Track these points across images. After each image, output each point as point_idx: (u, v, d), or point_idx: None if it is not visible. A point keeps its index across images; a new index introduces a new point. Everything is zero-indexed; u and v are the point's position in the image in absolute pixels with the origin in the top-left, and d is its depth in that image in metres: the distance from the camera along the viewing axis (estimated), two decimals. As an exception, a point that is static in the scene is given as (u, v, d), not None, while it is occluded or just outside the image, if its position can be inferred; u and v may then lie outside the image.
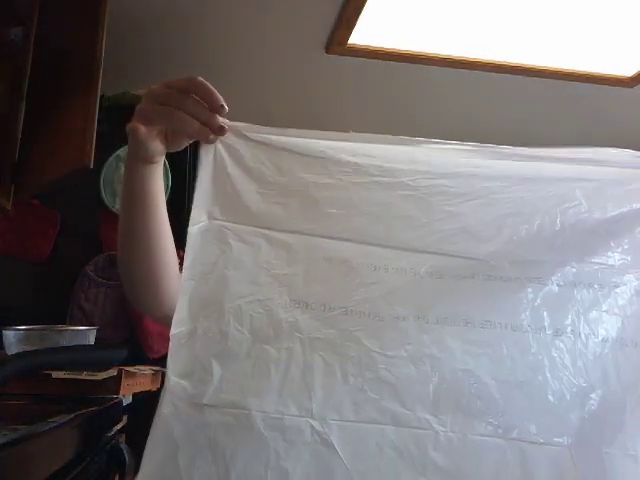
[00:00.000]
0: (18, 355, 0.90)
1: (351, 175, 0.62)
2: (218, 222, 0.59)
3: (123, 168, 1.62)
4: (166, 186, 1.65)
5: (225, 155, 0.60)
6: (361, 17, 1.92)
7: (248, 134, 0.61)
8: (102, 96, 1.65)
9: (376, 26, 2.01)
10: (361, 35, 2.05)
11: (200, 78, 0.57)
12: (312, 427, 0.49)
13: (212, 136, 0.58)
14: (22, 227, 1.60)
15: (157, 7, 1.89)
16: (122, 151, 1.65)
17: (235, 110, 2.21)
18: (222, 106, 0.57)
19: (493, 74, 2.33)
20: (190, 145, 1.88)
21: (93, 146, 1.25)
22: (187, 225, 0.61)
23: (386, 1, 1.87)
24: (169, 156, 1.81)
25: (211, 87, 0.56)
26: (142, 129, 0.57)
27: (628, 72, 2.32)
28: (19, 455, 0.48)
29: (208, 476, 0.47)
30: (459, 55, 2.20)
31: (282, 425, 0.49)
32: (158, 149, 0.61)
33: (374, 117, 2.76)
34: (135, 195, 0.67)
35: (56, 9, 1.46)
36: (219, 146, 0.60)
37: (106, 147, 1.59)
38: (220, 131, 0.58)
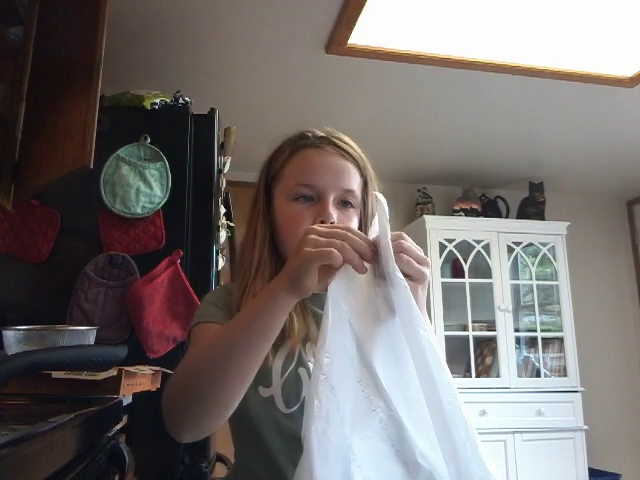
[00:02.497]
0: (18, 355, 0.90)
1: None
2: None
3: (123, 168, 1.63)
4: (166, 186, 1.65)
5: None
6: (361, 17, 1.92)
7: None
8: (102, 96, 1.65)
9: (376, 26, 2.01)
10: (361, 35, 2.05)
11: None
12: None
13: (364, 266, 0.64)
14: (22, 227, 1.60)
15: (157, 7, 1.89)
16: (122, 151, 1.65)
17: (236, 110, 2.21)
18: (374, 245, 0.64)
19: (493, 74, 2.33)
20: (190, 145, 1.87)
21: (93, 146, 1.25)
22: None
23: (386, 1, 1.87)
24: (169, 156, 1.81)
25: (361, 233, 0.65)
26: (317, 263, 0.62)
27: (628, 72, 2.32)
28: (19, 455, 0.48)
29: None
30: (459, 55, 2.20)
31: None
32: (315, 284, 0.63)
33: (374, 117, 2.76)
34: (271, 325, 0.65)
35: (56, 9, 1.46)
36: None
37: (106, 147, 1.59)
38: (372, 261, 0.64)
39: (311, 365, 0.79)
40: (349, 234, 0.63)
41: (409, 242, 0.67)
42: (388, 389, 0.60)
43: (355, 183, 0.88)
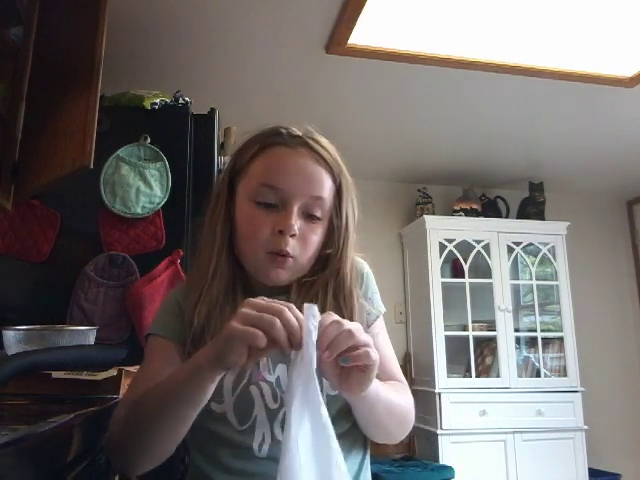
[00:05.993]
0: (18, 355, 0.90)
1: None
2: None
3: (123, 168, 1.63)
4: (166, 186, 1.65)
5: None
6: (361, 17, 1.92)
7: None
8: (102, 96, 1.65)
9: (376, 26, 2.01)
10: (361, 35, 2.05)
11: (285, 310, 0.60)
12: None
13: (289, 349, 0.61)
14: (22, 227, 1.60)
15: (157, 7, 1.89)
16: (122, 151, 1.65)
17: (236, 110, 2.21)
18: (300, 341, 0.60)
19: (493, 74, 2.33)
20: (190, 145, 1.87)
21: (93, 146, 1.25)
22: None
23: (386, 1, 1.87)
24: (169, 156, 1.81)
25: (291, 317, 0.59)
26: (240, 342, 0.58)
27: (628, 72, 2.32)
28: (19, 455, 0.48)
29: None
30: (459, 55, 2.20)
31: None
32: (242, 360, 0.60)
33: (374, 117, 2.76)
34: (195, 395, 0.64)
35: (56, 9, 1.46)
36: None
37: (106, 147, 1.59)
38: (298, 348, 0.60)
39: (262, 384, 0.77)
40: (285, 312, 0.59)
41: (350, 327, 0.61)
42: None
43: (325, 190, 0.81)
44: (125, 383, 1.03)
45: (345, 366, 0.62)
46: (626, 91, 2.44)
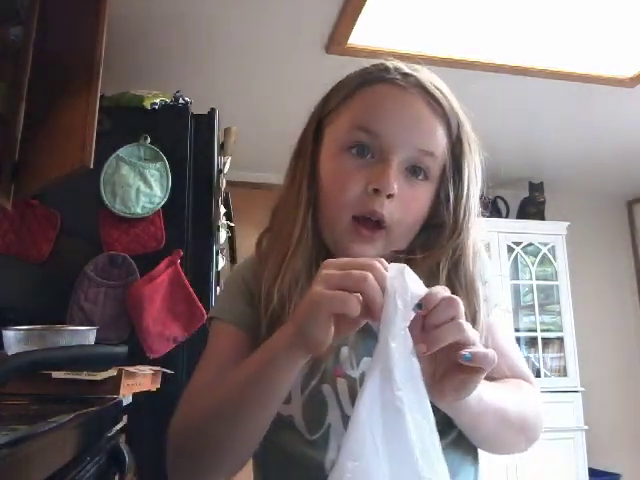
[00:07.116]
0: (18, 355, 0.90)
1: None
2: None
3: (123, 168, 1.63)
4: (166, 186, 1.65)
5: None
6: (361, 17, 1.92)
7: None
8: (102, 96, 1.65)
9: (376, 26, 2.01)
10: (361, 35, 2.05)
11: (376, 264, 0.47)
12: None
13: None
14: (22, 227, 1.60)
15: (157, 7, 1.89)
16: (122, 151, 1.65)
17: (236, 110, 2.20)
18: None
19: (493, 74, 2.33)
20: (190, 145, 1.87)
21: (93, 146, 1.25)
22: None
23: (386, 1, 1.87)
24: (169, 156, 1.81)
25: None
26: (326, 311, 0.46)
27: (628, 72, 2.32)
28: (19, 455, 0.48)
29: None
30: (459, 55, 2.20)
31: None
32: (328, 338, 0.47)
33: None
34: (270, 389, 0.53)
35: (56, 9, 1.46)
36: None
37: (106, 147, 1.59)
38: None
39: (339, 381, 0.61)
40: (377, 266, 0.46)
41: (463, 318, 0.46)
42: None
43: (437, 145, 0.63)
44: (125, 383, 1.03)
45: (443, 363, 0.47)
46: (626, 91, 2.44)
